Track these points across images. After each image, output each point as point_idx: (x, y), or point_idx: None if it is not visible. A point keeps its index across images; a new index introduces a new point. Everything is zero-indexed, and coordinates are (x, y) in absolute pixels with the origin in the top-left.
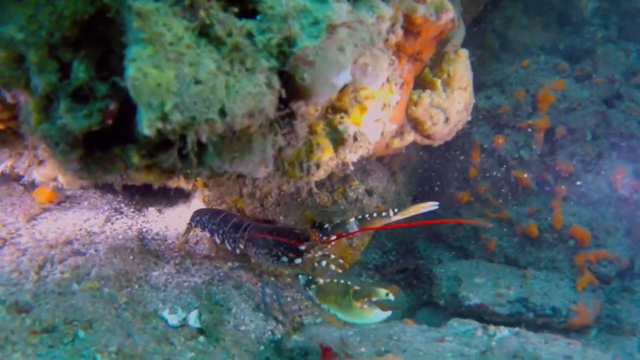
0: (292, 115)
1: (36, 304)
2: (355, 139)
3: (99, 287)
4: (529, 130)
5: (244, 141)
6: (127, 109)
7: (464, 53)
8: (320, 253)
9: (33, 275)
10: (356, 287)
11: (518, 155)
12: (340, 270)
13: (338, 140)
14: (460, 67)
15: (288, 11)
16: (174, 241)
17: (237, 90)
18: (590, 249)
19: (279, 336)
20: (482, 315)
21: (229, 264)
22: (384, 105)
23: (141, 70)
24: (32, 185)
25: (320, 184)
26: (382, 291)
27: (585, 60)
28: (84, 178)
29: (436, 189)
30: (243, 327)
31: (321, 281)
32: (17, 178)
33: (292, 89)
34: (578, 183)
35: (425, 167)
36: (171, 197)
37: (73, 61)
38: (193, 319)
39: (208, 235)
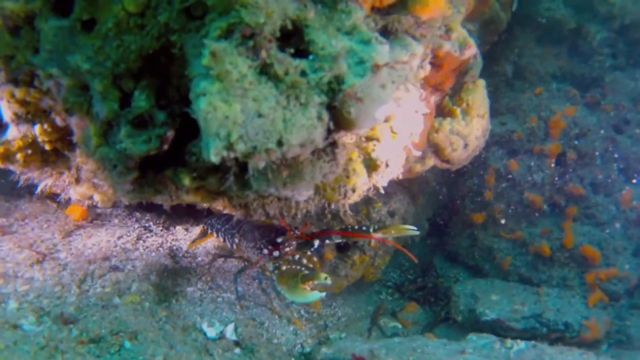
0: (334, 145)
1: (80, 316)
2: (387, 165)
3: (140, 301)
4: (542, 155)
5: (294, 168)
6: (179, 135)
7: (482, 83)
8: (295, 252)
9: (75, 289)
10: (305, 272)
11: (531, 179)
12: (311, 265)
13: (371, 166)
14: (479, 96)
15: (338, 51)
16: (203, 258)
17: (293, 123)
18: (601, 267)
19: (309, 349)
20: (498, 330)
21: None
22: (411, 134)
23: (212, 104)
24: (66, 203)
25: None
26: (322, 275)
27: (595, 87)
28: (134, 199)
29: (452, 210)
30: (275, 340)
31: (284, 267)
32: (52, 196)
33: (336, 121)
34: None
35: (442, 190)
36: (197, 216)
37: (134, 91)
38: (230, 332)
39: (215, 235)
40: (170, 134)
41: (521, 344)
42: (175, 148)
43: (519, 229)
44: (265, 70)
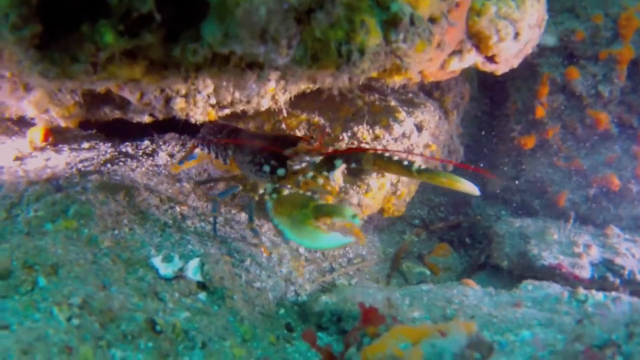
0: None
1: None
2: (412, 22)
3: (77, 227)
4: (610, 61)
5: None
6: None
7: None
8: (307, 170)
9: (2, 213)
10: (320, 202)
11: (595, 92)
12: (329, 188)
13: (389, 21)
14: None
15: None
16: (183, 185)
17: None
18: None
19: (305, 297)
20: (557, 280)
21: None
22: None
23: None
24: (22, 122)
25: (358, 115)
26: (349, 211)
27: None
28: (48, 74)
29: (494, 132)
30: (258, 284)
31: (286, 191)
32: (20, 120)
33: None
34: None
35: (482, 106)
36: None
37: None
38: (192, 270)
39: (206, 151)
40: None
41: (599, 295)
42: None
43: (579, 156)
44: None
